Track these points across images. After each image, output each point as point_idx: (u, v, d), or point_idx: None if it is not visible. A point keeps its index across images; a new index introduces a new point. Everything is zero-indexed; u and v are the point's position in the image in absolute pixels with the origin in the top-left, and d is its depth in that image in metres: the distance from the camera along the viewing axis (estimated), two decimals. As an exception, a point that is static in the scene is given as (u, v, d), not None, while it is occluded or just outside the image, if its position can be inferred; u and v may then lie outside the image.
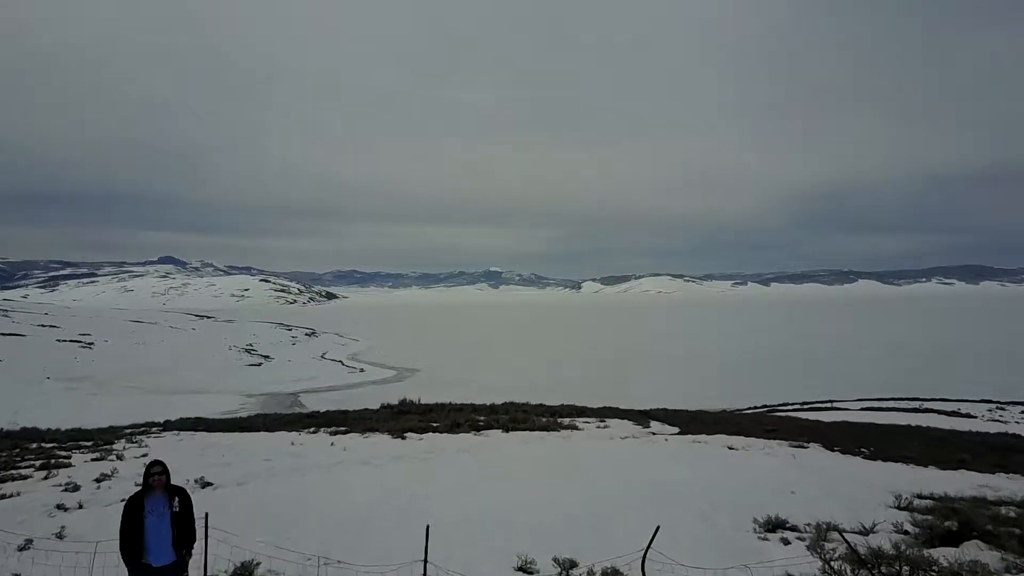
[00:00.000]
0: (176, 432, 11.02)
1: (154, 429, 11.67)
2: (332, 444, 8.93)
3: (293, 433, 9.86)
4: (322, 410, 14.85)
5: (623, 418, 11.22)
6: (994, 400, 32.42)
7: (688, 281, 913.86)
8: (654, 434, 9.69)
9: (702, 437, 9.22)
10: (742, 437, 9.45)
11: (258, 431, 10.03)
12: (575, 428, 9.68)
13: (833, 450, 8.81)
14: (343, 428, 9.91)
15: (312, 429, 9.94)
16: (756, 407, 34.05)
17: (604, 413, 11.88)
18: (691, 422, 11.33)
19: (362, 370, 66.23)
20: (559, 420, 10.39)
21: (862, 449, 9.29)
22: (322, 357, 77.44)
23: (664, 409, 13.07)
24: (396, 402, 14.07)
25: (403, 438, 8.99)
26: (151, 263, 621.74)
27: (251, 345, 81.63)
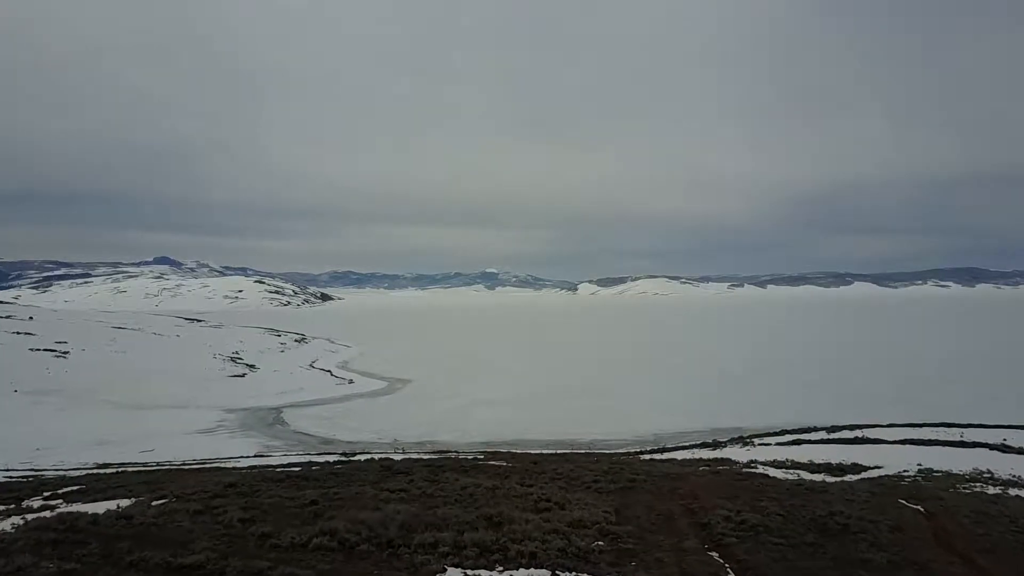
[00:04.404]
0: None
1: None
2: None
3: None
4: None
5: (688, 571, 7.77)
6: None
7: (684, 283, 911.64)
8: None
9: None
10: None
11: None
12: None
13: None
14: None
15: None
16: (775, 432, 31.24)
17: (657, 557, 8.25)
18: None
19: (351, 381, 63.18)
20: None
21: None
22: (311, 366, 74.31)
23: (749, 534, 9.05)
24: (341, 521, 8.98)
25: None
26: (146, 263, 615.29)
27: (237, 353, 78.48)
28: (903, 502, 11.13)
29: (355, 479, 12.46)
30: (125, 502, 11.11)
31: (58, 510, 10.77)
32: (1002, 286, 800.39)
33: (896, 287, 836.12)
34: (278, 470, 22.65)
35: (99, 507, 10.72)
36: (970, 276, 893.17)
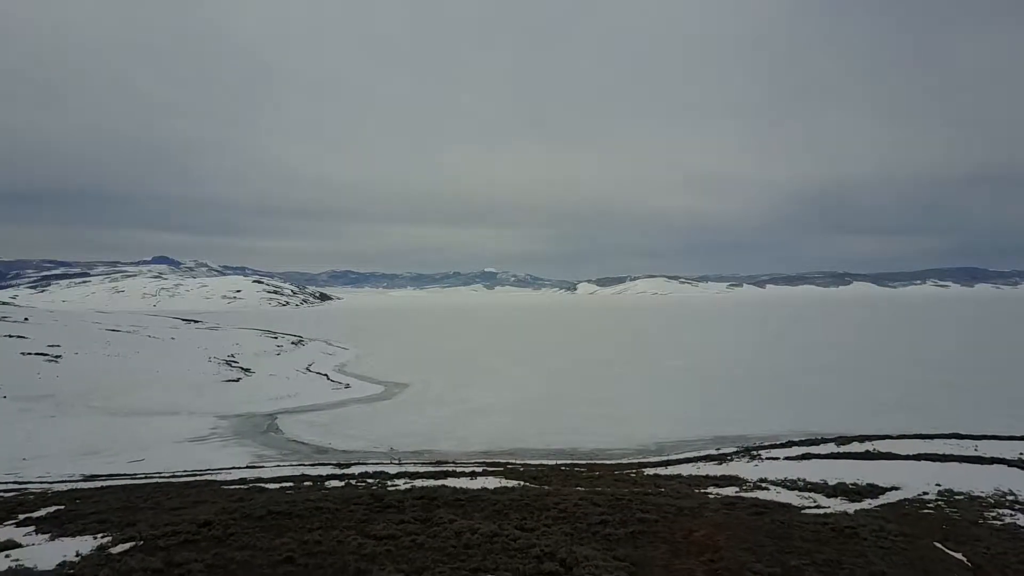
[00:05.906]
0: None
1: None
2: None
3: None
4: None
5: None
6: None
7: (683, 283, 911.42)
8: None
9: None
10: None
11: None
12: None
13: None
14: None
15: None
16: (781, 444, 30.41)
17: None
18: None
19: (347, 386, 62.21)
20: None
21: None
22: (307, 369, 73.37)
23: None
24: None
25: None
26: (145, 263, 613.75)
27: (232, 356, 77.50)
28: (940, 547, 10.23)
29: (340, 518, 11.44)
30: (88, 543, 10.21)
31: (11, 558, 9.83)
32: (1001, 286, 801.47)
33: (895, 287, 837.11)
34: (268, 486, 21.86)
35: (59, 549, 9.83)
36: (969, 276, 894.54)
